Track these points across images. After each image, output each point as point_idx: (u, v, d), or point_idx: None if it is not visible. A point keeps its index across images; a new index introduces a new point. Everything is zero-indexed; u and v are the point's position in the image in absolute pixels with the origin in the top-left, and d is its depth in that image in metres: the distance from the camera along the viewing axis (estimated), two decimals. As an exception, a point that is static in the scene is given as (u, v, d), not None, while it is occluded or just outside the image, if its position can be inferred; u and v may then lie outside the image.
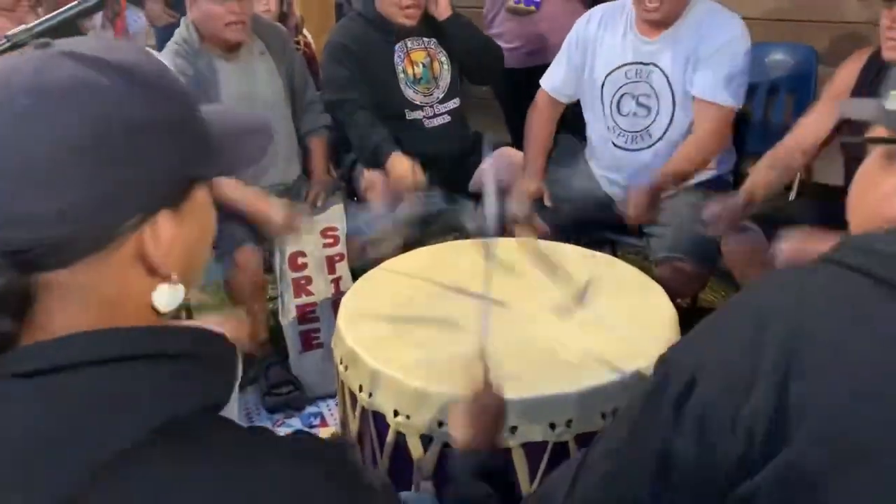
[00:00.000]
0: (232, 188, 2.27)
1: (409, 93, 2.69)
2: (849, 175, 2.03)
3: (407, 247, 2.07)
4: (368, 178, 2.54)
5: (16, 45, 1.46)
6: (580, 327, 1.59)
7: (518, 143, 2.72)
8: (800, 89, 2.98)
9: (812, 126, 2.15)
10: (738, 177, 2.53)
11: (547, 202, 2.49)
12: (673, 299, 1.70)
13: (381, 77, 2.65)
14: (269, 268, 2.50)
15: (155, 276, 0.67)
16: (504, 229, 2.48)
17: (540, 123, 2.59)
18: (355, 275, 2.36)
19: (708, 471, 0.74)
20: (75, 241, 0.61)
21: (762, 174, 2.14)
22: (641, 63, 2.35)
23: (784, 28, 3.22)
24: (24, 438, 0.59)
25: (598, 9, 2.52)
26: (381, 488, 0.72)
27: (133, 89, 0.63)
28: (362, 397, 1.51)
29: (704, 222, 2.07)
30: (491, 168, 2.24)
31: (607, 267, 1.89)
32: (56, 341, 0.62)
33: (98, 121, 0.61)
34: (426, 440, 1.43)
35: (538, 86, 2.62)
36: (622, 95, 2.39)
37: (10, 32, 1.47)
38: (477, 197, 2.69)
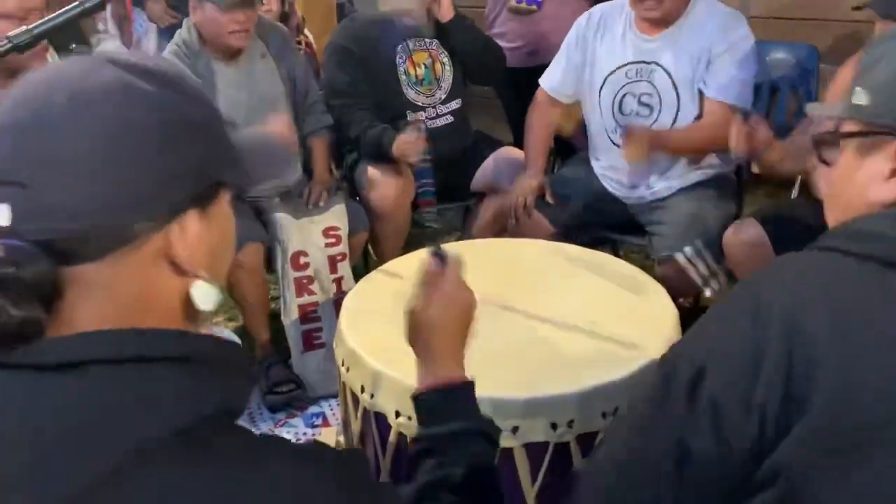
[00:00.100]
0: None
1: (412, 94, 2.70)
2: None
3: (407, 248, 2.07)
4: (404, 138, 2.51)
5: (16, 47, 1.46)
6: (581, 327, 1.59)
7: (520, 142, 2.73)
8: (801, 88, 2.98)
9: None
10: (740, 176, 2.53)
11: (549, 200, 2.49)
12: (675, 298, 1.70)
13: (383, 78, 2.66)
14: (271, 267, 2.50)
15: (182, 276, 0.69)
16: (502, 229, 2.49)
17: (540, 122, 2.59)
18: (357, 274, 2.37)
19: (725, 467, 0.75)
20: (106, 235, 0.64)
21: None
22: (642, 62, 2.34)
23: (785, 26, 3.22)
24: (39, 431, 0.60)
25: (597, 8, 2.51)
26: (388, 491, 0.73)
27: (167, 91, 0.68)
28: (364, 398, 1.50)
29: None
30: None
31: (608, 266, 1.89)
32: (78, 336, 0.63)
33: (135, 119, 0.65)
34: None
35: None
36: (624, 95, 2.38)
37: (11, 33, 1.48)
38: (480, 196, 2.71)
